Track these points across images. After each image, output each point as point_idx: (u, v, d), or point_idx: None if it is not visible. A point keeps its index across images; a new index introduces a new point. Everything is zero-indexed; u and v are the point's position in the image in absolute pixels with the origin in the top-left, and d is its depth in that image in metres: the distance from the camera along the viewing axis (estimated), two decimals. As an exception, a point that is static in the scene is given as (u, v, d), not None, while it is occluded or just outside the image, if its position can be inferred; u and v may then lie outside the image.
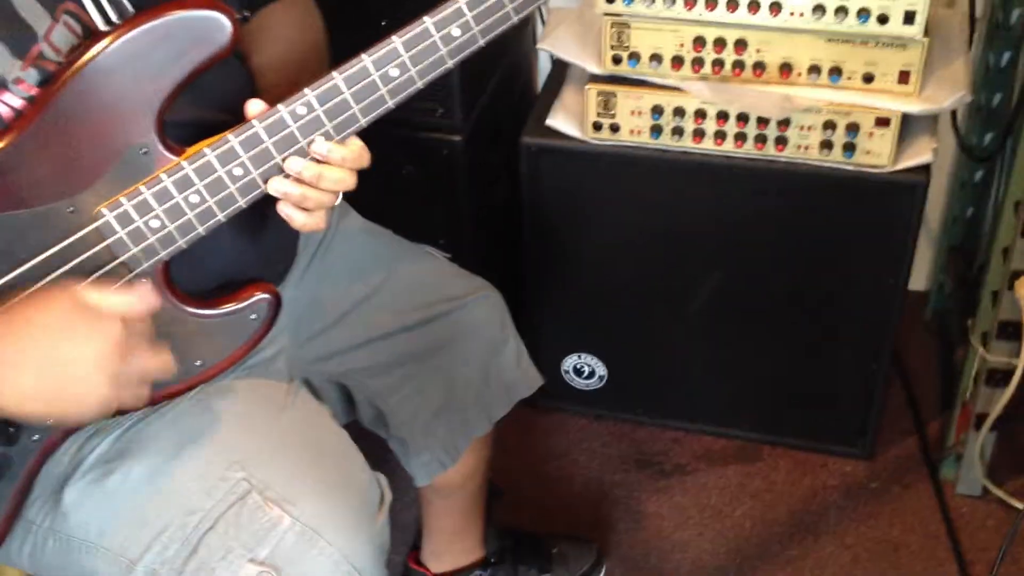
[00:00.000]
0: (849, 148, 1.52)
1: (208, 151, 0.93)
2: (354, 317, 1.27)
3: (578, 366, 1.90)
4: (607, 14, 1.52)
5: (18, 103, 0.90)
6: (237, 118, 0.94)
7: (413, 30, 0.93)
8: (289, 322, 1.19)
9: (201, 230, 0.96)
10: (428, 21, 0.93)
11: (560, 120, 1.65)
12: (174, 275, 0.98)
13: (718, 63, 1.52)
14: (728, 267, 1.72)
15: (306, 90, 0.93)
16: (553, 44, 1.66)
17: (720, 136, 1.57)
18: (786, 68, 1.50)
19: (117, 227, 0.93)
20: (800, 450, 1.89)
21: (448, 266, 1.38)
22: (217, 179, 0.94)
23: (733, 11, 1.47)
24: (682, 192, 1.65)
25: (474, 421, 1.38)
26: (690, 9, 1.48)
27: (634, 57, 1.54)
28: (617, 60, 1.55)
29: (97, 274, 0.94)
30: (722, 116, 1.55)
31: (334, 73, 0.93)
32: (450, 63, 0.95)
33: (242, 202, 0.96)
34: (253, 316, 1.02)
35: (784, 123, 1.53)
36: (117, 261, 0.95)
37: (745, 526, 1.79)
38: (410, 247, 1.35)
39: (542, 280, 1.82)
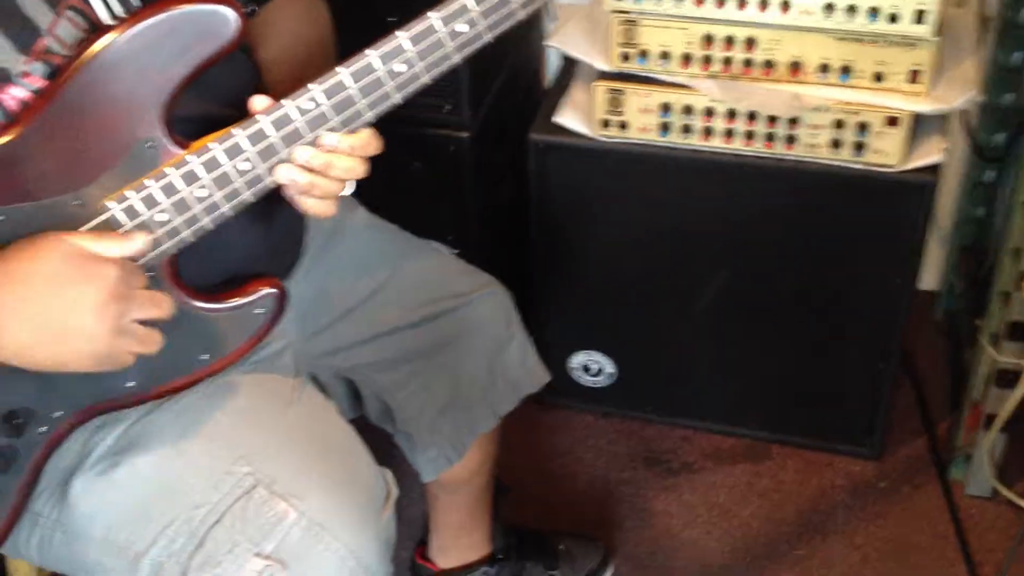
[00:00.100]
0: (858, 147, 1.52)
1: (214, 145, 0.93)
2: (360, 312, 1.27)
3: (586, 363, 1.90)
4: (616, 11, 1.51)
5: (25, 96, 0.91)
6: (244, 112, 0.94)
7: (419, 25, 0.93)
8: (295, 317, 1.20)
9: (208, 224, 0.96)
10: (434, 17, 0.92)
11: (568, 117, 1.65)
12: (181, 269, 0.99)
13: (727, 61, 1.51)
14: (737, 266, 1.71)
15: (312, 85, 0.92)
16: (561, 40, 1.66)
17: (729, 134, 1.56)
18: (796, 66, 1.50)
19: (124, 220, 0.93)
20: (808, 449, 1.89)
21: (455, 262, 1.38)
22: (223, 173, 0.94)
23: (742, 9, 1.47)
24: (690, 190, 1.65)
25: (480, 417, 1.38)
26: (699, 6, 1.48)
27: (643, 54, 1.53)
28: (626, 57, 1.55)
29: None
30: (731, 114, 1.55)
31: (340, 68, 0.92)
32: (457, 58, 0.95)
33: (249, 195, 0.96)
34: (259, 310, 1.02)
35: (793, 122, 1.53)
36: (123, 254, 0.95)
37: (753, 525, 1.78)
38: (417, 243, 1.35)
39: (549, 277, 1.82)
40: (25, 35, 0.89)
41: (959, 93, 1.49)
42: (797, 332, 1.76)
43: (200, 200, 0.94)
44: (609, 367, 1.89)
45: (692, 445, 1.92)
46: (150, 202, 0.93)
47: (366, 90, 0.93)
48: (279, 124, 0.93)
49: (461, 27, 0.93)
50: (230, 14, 0.90)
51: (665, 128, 1.58)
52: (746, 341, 1.79)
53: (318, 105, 0.93)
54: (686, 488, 1.85)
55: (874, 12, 1.43)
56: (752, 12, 1.47)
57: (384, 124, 0.97)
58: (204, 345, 1.01)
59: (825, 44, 1.48)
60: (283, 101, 0.93)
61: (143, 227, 0.94)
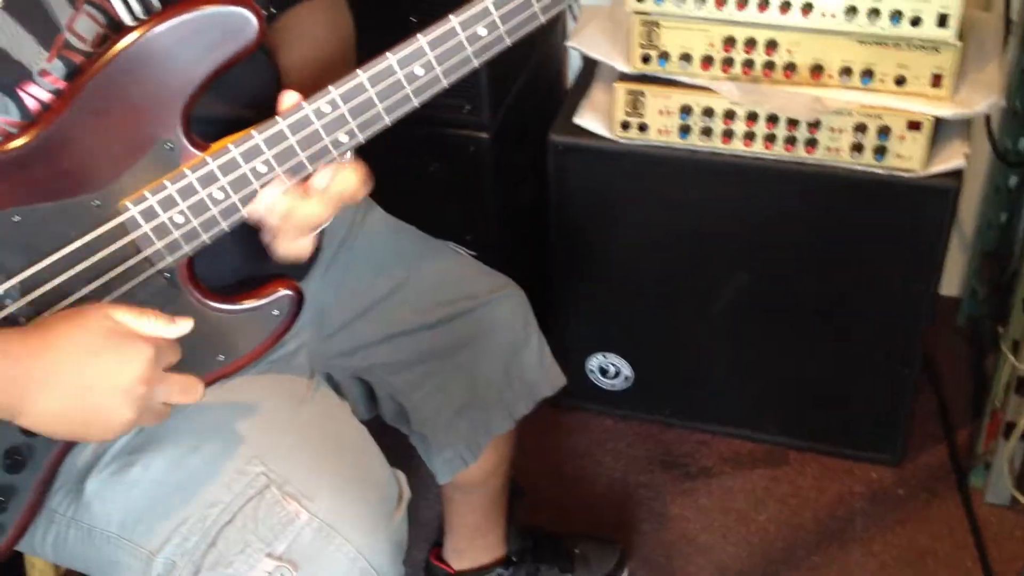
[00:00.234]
0: (880, 151, 1.51)
1: (232, 147, 0.93)
2: (377, 313, 1.27)
3: (603, 366, 1.89)
4: (637, 12, 1.51)
5: (45, 96, 0.91)
6: (263, 114, 0.94)
7: (439, 29, 0.92)
8: (311, 317, 1.20)
9: (224, 226, 0.96)
10: (454, 20, 0.92)
11: (588, 119, 1.65)
12: (197, 270, 0.99)
13: (748, 63, 1.51)
14: (756, 269, 1.70)
15: (330, 88, 0.92)
16: (582, 42, 1.65)
17: (749, 137, 1.56)
18: (817, 69, 1.49)
19: (141, 221, 0.94)
20: (827, 455, 1.88)
21: (472, 263, 1.38)
22: (241, 175, 0.94)
23: (764, 11, 1.46)
24: (710, 193, 1.64)
25: (496, 419, 1.38)
26: (720, 9, 1.47)
27: (663, 56, 1.53)
28: (646, 59, 1.54)
29: (121, 267, 0.94)
30: (751, 117, 1.54)
31: (359, 71, 0.92)
32: (476, 62, 0.95)
33: (265, 198, 0.96)
34: (276, 312, 1.02)
35: (814, 125, 1.52)
36: (141, 256, 0.95)
37: (770, 531, 1.77)
38: (434, 244, 1.35)
39: (568, 279, 1.81)
40: (45, 29, 0.90)
41: (982, 97, 1.48)
42: (816, 336, 1.75)
43: (217, 202, 0.94)
44: (626, 370, 1.88)
45: (710, 449, 1.91)
46: (168, 203, 0.94)
47: (384, 94, 0.93)
48: (297, 126, 0.93)
49: (481, 31, 0.93)
50: (250, 15, 0.90)
51: (685, 130, 1.58)
52: (765, 345, 1.78)
53: (336, 108, 0.93)
54: (703, 492, 1.84)
55: (897, 15, 1.42)
56: (773, 14, 1.46)
57: (403, 125, 0.97)
58: (220, 346, 1.01)
59: (847, 47, 1.47)
60: (302, 103, 0.93)
61: (161, 229, 0.94)
